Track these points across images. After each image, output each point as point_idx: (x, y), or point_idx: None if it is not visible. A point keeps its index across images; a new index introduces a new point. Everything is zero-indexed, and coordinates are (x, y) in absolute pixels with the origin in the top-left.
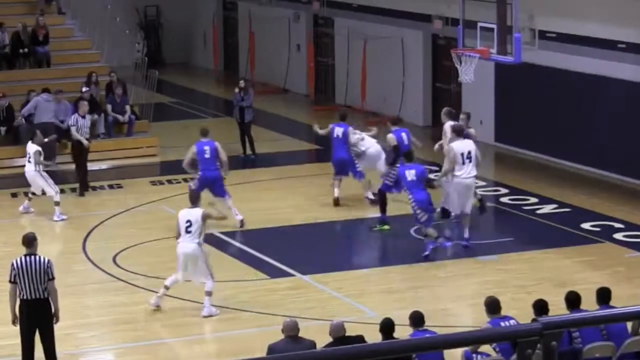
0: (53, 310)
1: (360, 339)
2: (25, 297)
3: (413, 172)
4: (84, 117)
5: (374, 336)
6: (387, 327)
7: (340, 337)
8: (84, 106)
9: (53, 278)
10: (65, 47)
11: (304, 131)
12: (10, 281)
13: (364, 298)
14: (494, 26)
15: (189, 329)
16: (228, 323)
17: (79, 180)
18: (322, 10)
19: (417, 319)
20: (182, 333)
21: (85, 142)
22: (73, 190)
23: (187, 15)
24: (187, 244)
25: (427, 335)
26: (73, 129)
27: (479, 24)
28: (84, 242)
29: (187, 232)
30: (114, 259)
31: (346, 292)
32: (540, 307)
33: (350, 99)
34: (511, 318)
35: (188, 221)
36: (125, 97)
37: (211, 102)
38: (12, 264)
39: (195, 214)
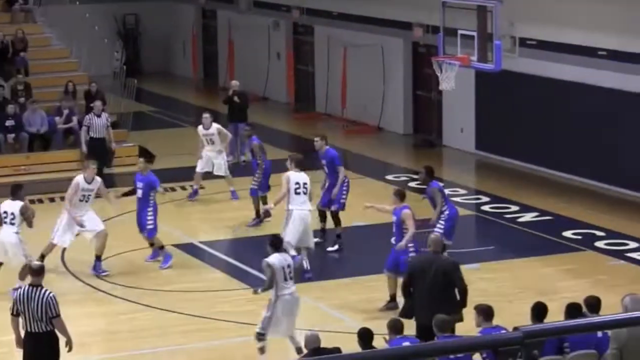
0: (66, 341)
1: (336, 351)
2: (28, 329)
3: None
4: (99, 116)
5: (353, 346)
6: (365, 336)
7: (315, 348)
8: (98, 105)
9: (56, 315)
10: (43, 56)
11: (284, 139)
12: (12, 314)
13: (345, 308)
14: (475, 34)
15: (170, 339)
16: (209, 333)
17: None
18: (302, 18)
19: (396, 327)
20: (163, 343)
21: (84, 148)
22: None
23: (166, 24)
24: (8, 233)
25: (407, 342)
26: (84, 130)
27: (460, 32)
28: (62, 253)
29: (11, 223)
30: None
31: (327, 301)
32: (539, 310)
33: (330, 106)
34: (503, 328)
35: (8, 212)
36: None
37: (191, 110)
38: (16, 296)
39: (15, 206)
